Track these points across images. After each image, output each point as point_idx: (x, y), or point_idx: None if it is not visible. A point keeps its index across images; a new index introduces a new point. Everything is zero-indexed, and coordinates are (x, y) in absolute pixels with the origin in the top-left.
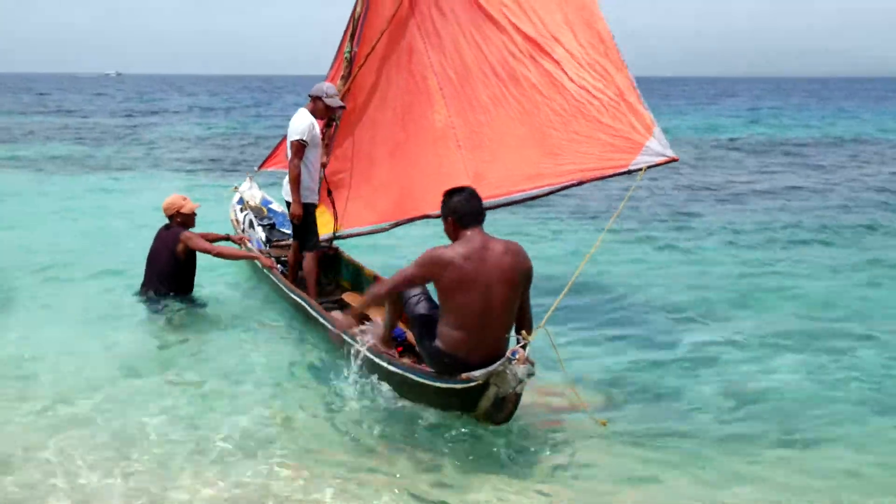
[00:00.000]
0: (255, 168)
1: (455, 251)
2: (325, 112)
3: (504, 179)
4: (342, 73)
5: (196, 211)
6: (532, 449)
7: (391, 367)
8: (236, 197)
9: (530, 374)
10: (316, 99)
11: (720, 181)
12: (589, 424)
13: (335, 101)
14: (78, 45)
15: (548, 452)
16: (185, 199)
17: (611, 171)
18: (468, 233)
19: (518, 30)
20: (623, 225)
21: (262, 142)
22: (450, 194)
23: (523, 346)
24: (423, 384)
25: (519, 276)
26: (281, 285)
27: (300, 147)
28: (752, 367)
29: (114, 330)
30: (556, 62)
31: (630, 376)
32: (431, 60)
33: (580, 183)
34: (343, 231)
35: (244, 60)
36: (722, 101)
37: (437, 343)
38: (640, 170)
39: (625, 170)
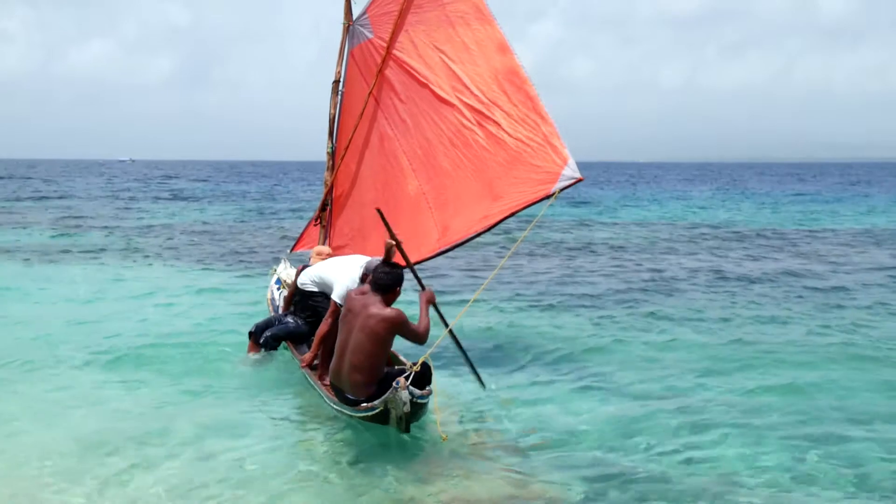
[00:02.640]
0: (289, 250)
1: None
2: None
3: (463, 225)
4: (327, 164)
5: None
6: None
7: (332, 405)
8: (274, 278)
9: (419, 397)
10: (366, 276)
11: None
12: (435, 433)
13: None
14: (86, 132)
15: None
16: None
17: (539, 197)
18: (371, 292)
19: (464, 104)
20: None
21: (271, 231)
22: (386, 265)
23: (406, 377)
24: (351, 415)
25: (377, 328)
26: (309, 380)
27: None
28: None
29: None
30: (497, 123)
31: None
32: (400, 142)
33: (514, 213)
34: None
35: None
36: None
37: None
38: (554, 194)
39: (548, 194)
